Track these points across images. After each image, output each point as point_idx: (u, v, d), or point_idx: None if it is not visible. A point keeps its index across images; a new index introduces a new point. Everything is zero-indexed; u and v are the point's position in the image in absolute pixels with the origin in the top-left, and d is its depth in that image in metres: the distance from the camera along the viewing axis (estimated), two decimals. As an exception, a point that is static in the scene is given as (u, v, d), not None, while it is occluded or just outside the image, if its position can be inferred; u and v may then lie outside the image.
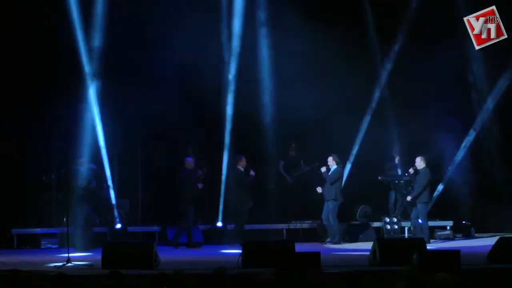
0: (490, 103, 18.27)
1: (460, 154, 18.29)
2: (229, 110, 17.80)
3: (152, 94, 17.13)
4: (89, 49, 16.83)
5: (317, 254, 12.24)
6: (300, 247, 13.82)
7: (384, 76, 18.48)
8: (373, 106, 18.51)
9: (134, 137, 17.82)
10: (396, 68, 18.32)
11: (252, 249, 13.03)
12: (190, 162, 17.08)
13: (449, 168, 18.25)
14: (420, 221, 16.84)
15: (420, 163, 17.11)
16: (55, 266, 12.80)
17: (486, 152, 17.89)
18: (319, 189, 17.37)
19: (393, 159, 18.68)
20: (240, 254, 12.81)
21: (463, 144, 18.28)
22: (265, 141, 18.02)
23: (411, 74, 18.07)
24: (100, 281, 7.96)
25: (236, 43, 17.73)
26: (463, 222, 18.46)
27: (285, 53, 17.67)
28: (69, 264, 12.84)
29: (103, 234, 16.95)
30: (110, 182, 17.41)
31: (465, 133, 18.35)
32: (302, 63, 17.51)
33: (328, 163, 17.44)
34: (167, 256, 14.11)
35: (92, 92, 16.99)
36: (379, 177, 18.34)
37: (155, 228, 17.64)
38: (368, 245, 14.17)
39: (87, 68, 16.92)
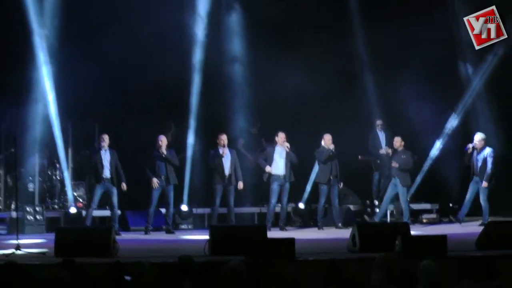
0: (477, 84, 18.62)
1: (445, 137, 18.52)
2: (194, 88, 17.77)
3: (112, 73, 16.96)
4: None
5: (291, 241, 11.87)
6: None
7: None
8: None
9: (91, 114, 17.58)
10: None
11: (220, 235, 12.68)
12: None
13: (435, 150, 18.34)
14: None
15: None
16: (4, 253, 12.54)
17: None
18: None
19: (377, 136, 18.70)
20: (207, 241, 12.49)
21: (448, 126, 18.51)
22: (229, 120, 18.09)
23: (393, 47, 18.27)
24: (52, 270, 7.60)
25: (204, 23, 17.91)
26: (451, 205, 18.47)
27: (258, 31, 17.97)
28: (19, 252, 12.63)
29: (56, 219, 16.87)
30: (64, 163, 17.30)
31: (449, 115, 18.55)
32: (277, 43, 17.82)
33: (476, 143, 17.08)
34: (127, 243, 13.90)
35: (45, 71, 16.87)
36: (359, 157, 18.40)
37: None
38: (347, 230, 14.08)
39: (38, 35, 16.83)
